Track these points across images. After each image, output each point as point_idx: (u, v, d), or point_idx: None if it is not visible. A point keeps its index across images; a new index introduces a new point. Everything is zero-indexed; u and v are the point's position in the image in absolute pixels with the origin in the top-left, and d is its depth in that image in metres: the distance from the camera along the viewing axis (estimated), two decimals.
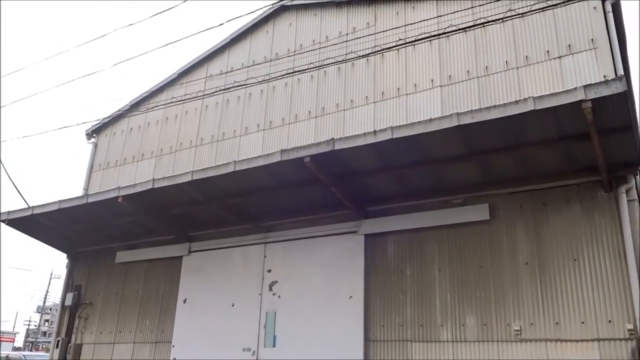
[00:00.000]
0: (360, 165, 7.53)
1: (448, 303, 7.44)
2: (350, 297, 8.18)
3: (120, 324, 10.85)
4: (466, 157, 7.04)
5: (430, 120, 6.48)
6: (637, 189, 6.81)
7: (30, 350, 45.28)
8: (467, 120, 6.18)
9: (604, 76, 7.48)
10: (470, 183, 7.64)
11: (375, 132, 6.80)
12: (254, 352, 8.76)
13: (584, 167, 6.88)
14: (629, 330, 6.11)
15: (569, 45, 8.12)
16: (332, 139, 7.07)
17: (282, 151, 7.37)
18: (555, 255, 6.87)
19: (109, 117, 13.94)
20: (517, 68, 8.48)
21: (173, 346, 9.77)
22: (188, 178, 8.18)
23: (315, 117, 10.53)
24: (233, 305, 9.32)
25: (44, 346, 51.57)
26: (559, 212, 7.03)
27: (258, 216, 9.44)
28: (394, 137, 6.60)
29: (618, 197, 6.59)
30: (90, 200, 9.40)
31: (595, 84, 5.66)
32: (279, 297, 8.91)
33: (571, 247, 6.80)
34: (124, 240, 11.29)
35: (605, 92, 5.54)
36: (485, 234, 7.46)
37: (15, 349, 46.32)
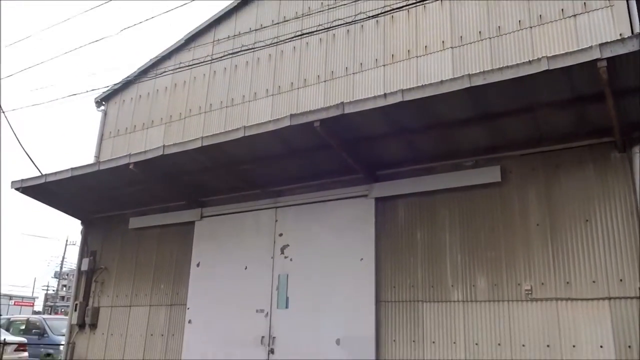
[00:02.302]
0: (371, 129, 7.49)
1: (459, 264, 7.51)
2: (361, 259, 8.28)
3: (136, 287, 11.10)
4: (478, 119, 6.97)
5: (441, 82, 6.40)
6: None
7: (50, 314, 46.44)
8: (478, 81, 6.10)
9: (620, 34, 7.31)
10: (482, 146, 7.60)
11: (385, 95, 6.74)
12: (267, 313, 8.96)
13: (597, 128, 6.80)
14: (639, 288, 6.16)
15: (584, 3, 7.92)
16: (342, 102, 7.02)
17: (292, 116, 7.34)
18: (567, 216, 6.87)
19: (117, 84, 13.90)
20: (531, 28, 8.30)
21: (188, 308, 10.01)
22: (198, 144, 8.21)
23: (325, 81, 10.44)
24: (246, 269, 9.49)
25: (62, 310, 52.93)
26: (572, 173, 7.00)
27: (268, 182, 9.49)
28: (405, 99, 6.54)
29: (632, 158, 6.52)
30: (101, 167, 9.48)
31: (610, 42, 5.53)
32: (290, 260, 9.04)
33: (583, 208, 6.79)
34: (137, 207, 11.43)
35: (621, 50, 5.42)
36: (496, 197, 7.47)
37: (35, 313, 47.59)
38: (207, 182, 9.86)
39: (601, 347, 6.25)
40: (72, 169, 9.86)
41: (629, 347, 6.10)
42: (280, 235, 9.31)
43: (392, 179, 8.43)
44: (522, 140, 7.33)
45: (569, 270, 6.69)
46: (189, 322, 9.91)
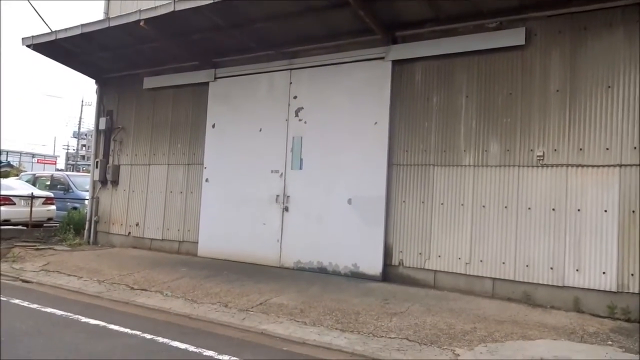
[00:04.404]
0: None
1: (473, 130, 7.49)
2: (376, 123, 8.28)
3: (154, 147, 11.37)
4: None
5: None
6: None
7: (72, 171, 48.42)
8: None
9: None
10: (508, 6, 7.17)
11: None
12: (282, 174, 9.22)
13: None
14: None
15: None
16: None
17: None
18: (589, 82, 6.65)
19: None
20: None
21: (205, 168, 10.32)
22: (210, 0, 7.83)
23: None
24: (260, 131, 9.58)
25: (84, 168, 54.98)
26: (600, 37, 6.64)
27: (283, 42, 9.21)
28: None
29: None
30: (112, 24, 9.21)
31: None
32: (305, 122, 9.08)
33: (607, 74, 6.55)
34: (150, 67, 11.30)
35: None
36: (517, 60, 7.20)
37: (58, 170, 49.61)
38: (220, 41, 9.59)
39: (605, 211, 6.42)
40: (82, 25, 9.62)
41: (633, 212, 6.25)
42: (295, 97, 9.25)
43: (411, 41, 8.11)
44: (551, 0, 6.88)
45: (583, 137, 6.65)
46: (206, 180, 10.27)
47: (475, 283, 7.26)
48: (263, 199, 9.37)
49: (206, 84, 10.45)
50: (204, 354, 4.79)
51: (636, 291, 6.13)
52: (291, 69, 9.35)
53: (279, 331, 5.55)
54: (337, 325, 5.66)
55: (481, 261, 7.22)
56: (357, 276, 8.16)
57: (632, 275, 6.18)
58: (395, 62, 8.22)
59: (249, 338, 5.42)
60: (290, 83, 9.34)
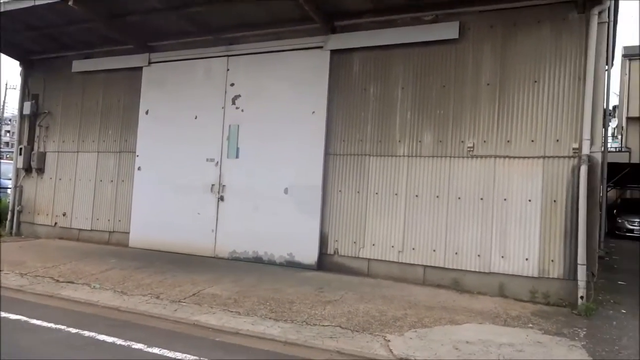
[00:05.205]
0: None
1: (408, 121, 7.63)
2: (313, 112, 8.26)
3: (83, 133, 10.85)
4: None
5: None
6: (609, 11, 6.67)
7: None
8: None
9: None
10: (443, 0, 7.33)
11: None
12: (218, 162, 9.05)
13: None
14: (573, 149, 6.48)
15: None
16: None
17: None
18: (518, 76, 6.93)
19: None
20: None
21: (137, 156, 9.96)
22: None
23: None
24: (196, 118, 9.34)
25: (7, 155, 51.80)
26: (529, 32, 6.91)
27: (221, 27, 9.00)
28: None
29: (589, 19, 6.45)
30: (37, 2, 8.68)
31: None
32: (242, 110, 8.93)
33: (534, 69, 6.84)
34: (80, 49, 10.76)
35: None
36: (451, 54, 7.38)
37: None
38: (155, 24, 9.25)
39: (529, 201, 6.72)
40: (3, 3, 9.00)
41: (554, 201, 6.58)
42: (232, 85, 9.07)
43: (350, 31, 8.14)
44: None
45: (511, 130, 6.92)
46: (139, 169, 9.92)
47: (407, 270, 7.42)
48: (198, 188, 9.16)
49: (140, 68, 10.06)
50: (133, 347, 4.62)
51: (555, 276, 6.48)
52: (229, 56, 9.16)
53: (212, 322, 5.44)
54: (271, 315, 5.62)
55: (413, 249, 7.39)
56: (292, 265, 8.15)
57: (553, 261, 6.52)
58: (333, 52, 8.23)
59: (180, 329, 5.28)
60: (228, 70, 9.15)
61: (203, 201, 9.09)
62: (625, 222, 19.96)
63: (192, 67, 9.50)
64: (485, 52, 7.18)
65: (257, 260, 8.48)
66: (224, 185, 8.95)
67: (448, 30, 7.33)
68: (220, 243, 8.89)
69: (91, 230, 10.50)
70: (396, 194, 7.62)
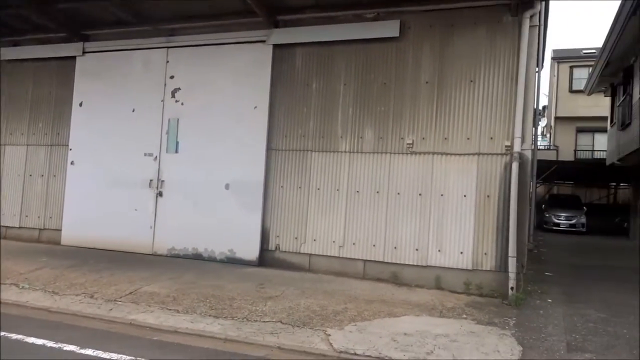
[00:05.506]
0: None
1: (349, 117, 7.71)
2: (255, 107, 8.20)
3: (10, 126, 10.26)
4: None
5: None
6: (540, 15, 7.00)
7: None
8: None
9: None
10: None
11: None
12: (156, 157, 8.80)
13: None
14: (506, 146, 6.77)
15: None
16: None
17: None
18: (455, 75, 7.14)
19: None
20: None
21: (70, 149, 9.52)
22: None
23: None
24: (134, 111, 9.05)
25: None
26: (465, 33, 7.14)
27: (161, 18, 8.76)
28: None
29: (522, 22, 6.74)
30: None
31: None
32: (182, 104, 8.73)
33: (470, 69, 7.07)
34: (7, 36, 10.14)
35: None
36: (392, 52, 7.51)
37: None
38: (90, 12, 8.87)
39: (465, 196, 6.96)
40: None
41: (488, 196, 6.85)
42: (172, 77, 8.85)
43: (293, 26, 8.12)
44: None
45: (448, 127, 7.14)
46: (72, 163, 9.49)
47: (348, 265, 7.52)
48: (135, 183, 8.88)
49: (73, 58, 9.61)
50: (65, 349, 4.43)
51: (488, 268, 6.76)
52: (169, 47, 8.92)
53: (150, 320, 5.30)
54: (211, 312, 5.54)
55: (354, 244, 7.50)
56: (233, 262, 8.07)
57: (486, 254, 6.79)
58: (276, 46, 8.18)
59: (116, 329, 5.11)
60: (168, 62, 8.91)
61: (141, 197, 8.82)
62: (553, 217, 21.11)
63: (130, 58, 9.18)
64: (424, 51, 7.35)
65: (197, 257, 8.33)
66: (162, 181, 8.72)
67: (389, 28, 7.45)
68: (158, 240, 8.66)
69: (19, 227, 9.96)
70: (338, 190, 7.69)
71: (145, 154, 8.88)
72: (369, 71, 7.65)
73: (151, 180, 8.78)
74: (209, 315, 5.43)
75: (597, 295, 7.19)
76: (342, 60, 7.81)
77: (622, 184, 25.67)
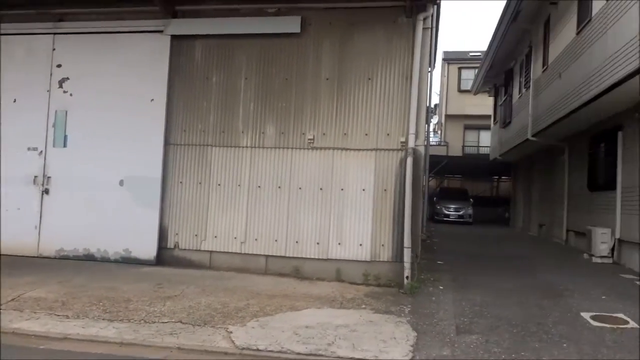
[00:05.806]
0: None
1: (251, 112, 7.66)
2: (152, 100, 7.87)
3: None
4: None
5: None
6: (432, 18, 7.40)
7: None
8: None
9: None
10: None
11: None
12: (41, 151, 8.17)
13: None
14: (401, 142, 7.10)
15: None
16: None
17: None
18: (354, 73, 7.35)
19: None
20: None
21: None
22: None
23: None
24: (15, 101, 8.31)
25: None
26: (364, 32, 7.36)
27: (47, 1, 8.09)
28: None
29: (416, 24, 7.08)
30: None
31: None
32: (71, 95, 8.16)
33: (368, 67, 7.31)
34: None
35: None
36: (294, 47, 7.56)
37: None
38: None
39: (363, 190, 7.21)
40: None
41: (385, 190, 7.15)
42: (59, 66, 8.24)
43: (192, 17, 7.90)
44: None
45: (348, 123, 7.34)
46: None
47: (250, 261, 7.48)
48: (17, 180, 8.16)
49: None
50: None
51: (385, 259, 7.06)
52: (56, 33, 8.29)
53: (35, 328, 4.90)
54: (104, 316, 5.25)
55: (256, 240, 7.48)
56: (129, 262, 7.71)
57: (383, 246, 7.09)
58: (174, 37, 7.91)
59: None
60: (54, 49, 8.28)
61: (24, 195, 8.12)
62: (443, 208, 22.51)
63: (10, 43, 8.40)
64: (325, 48, 7.48)
65: (89, 258, 7.86)
66: (49, 177, 8.11)
67: (291, 24, 7.49)
68: (45, 241, 8.05)
69: None
70: (239, 185, 7.62)
71: (29, 149, 8.20)
72: (271, 66, 7.64)
73: (36, 177, 8.13)
74: (103, 319, 5.14)
75: (483, 280, 7.77)
76: (244, 54, 7.73)
77: (503, 178, 27.94)
